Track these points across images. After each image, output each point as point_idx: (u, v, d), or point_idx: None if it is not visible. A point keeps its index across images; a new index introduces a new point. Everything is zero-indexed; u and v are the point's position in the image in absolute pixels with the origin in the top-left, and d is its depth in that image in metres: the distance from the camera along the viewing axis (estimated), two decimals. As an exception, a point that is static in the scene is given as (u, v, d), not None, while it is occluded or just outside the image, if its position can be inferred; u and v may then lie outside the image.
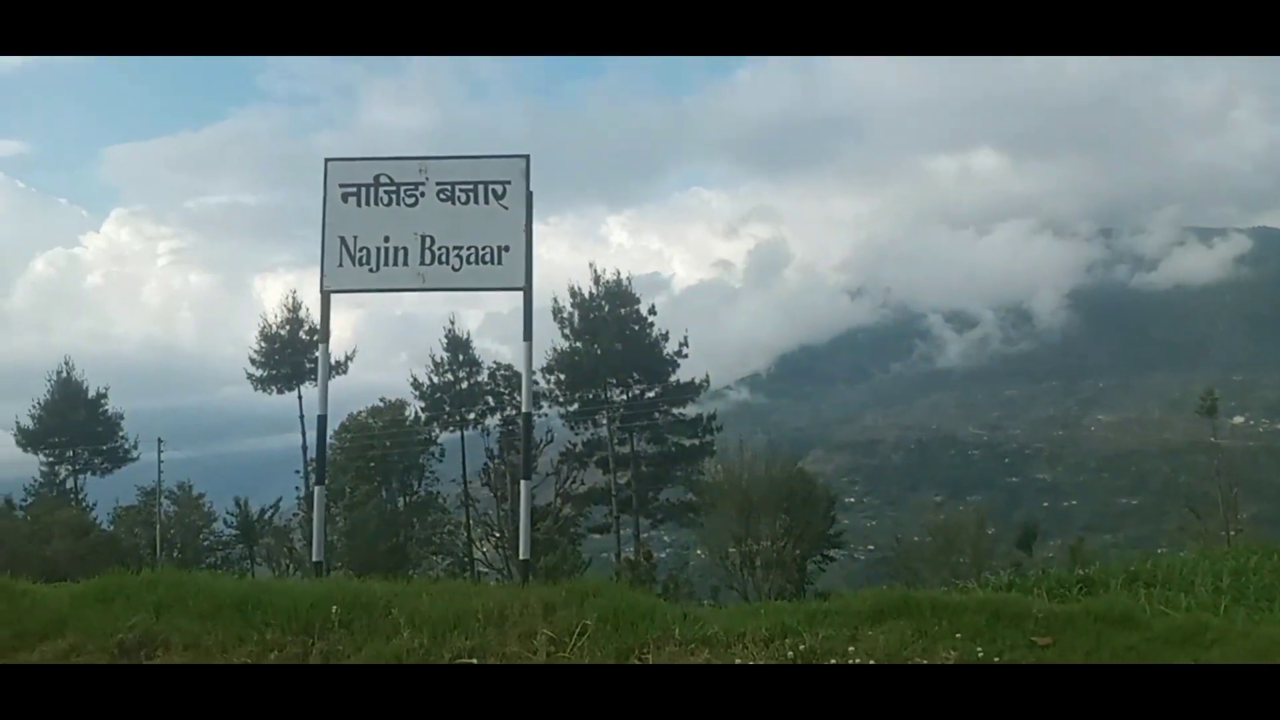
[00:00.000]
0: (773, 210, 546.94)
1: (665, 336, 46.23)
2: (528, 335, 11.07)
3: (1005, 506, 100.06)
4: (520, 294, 11.01)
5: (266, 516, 49.26)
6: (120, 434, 52.18)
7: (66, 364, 52.18)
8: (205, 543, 49.11)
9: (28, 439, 50.43)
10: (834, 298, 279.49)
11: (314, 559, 11.13)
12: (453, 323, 46.98)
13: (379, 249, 10.72)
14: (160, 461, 49.52)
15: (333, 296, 11.26)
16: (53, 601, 9.16)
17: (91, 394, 51.92)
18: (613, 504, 44.19)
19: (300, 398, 47.83)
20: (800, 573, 37.78)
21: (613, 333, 45.23)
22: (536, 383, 41.05)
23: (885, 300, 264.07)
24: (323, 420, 11.44)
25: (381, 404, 47.34)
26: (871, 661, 6.31)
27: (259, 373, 48.30)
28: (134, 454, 51.96)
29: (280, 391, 48.29)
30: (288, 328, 48.26)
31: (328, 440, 11.81)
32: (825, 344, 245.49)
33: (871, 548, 79.12)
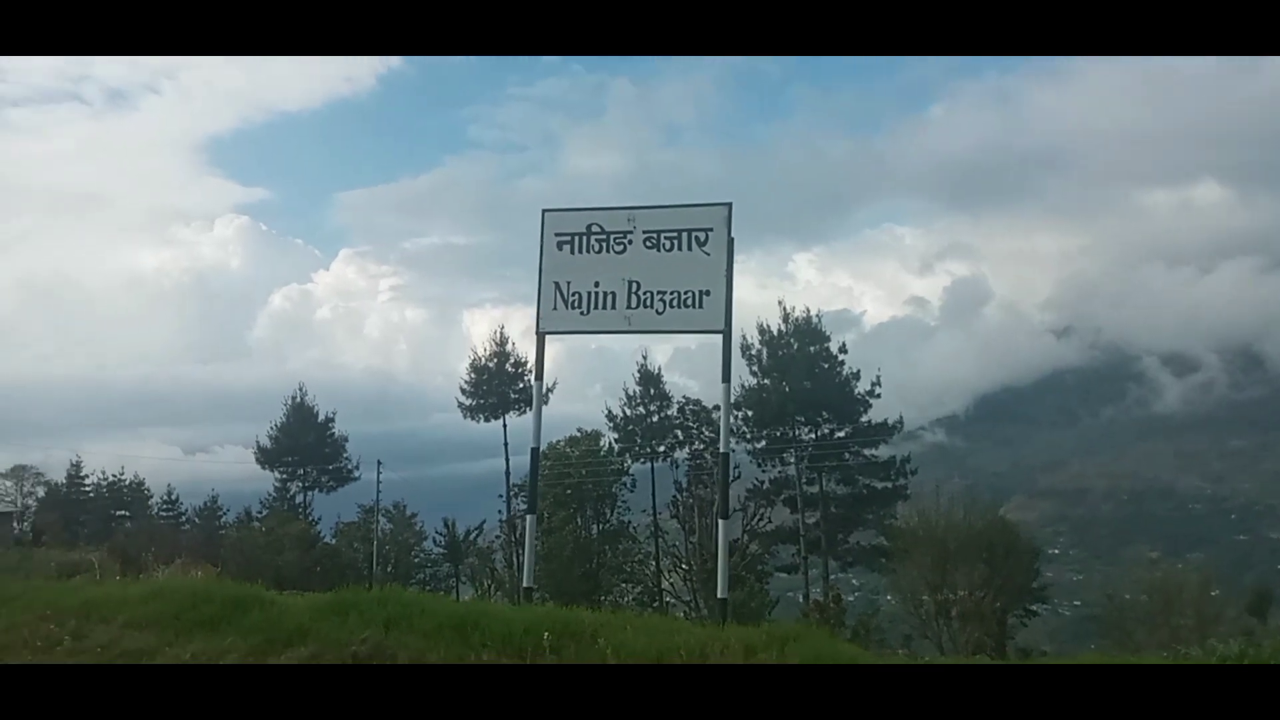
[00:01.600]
0: (970, 247, 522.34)
1: (856, 375, 45.15)
2: (726, 377, 11.37)
3: (1232, 567, 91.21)
4: (719, 336, 11.39)
5: (471, 538, 51.59)
6: (345, 455, 56.13)
7: (300, 390, 56.73)
8: (415, 559, 51.95)
9: (266, 457, 55.06)
10: (1038, 337, 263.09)
11: (524, 585, 11.79)
12: (645, 357, 48.14)
13: (590, 293, 11.29)
14: (379, 481, 52.53)
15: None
16: (295, 611, 10.10)
17: (321, 418, 56.12)
18: (800, 544, 43.54)
19: (505, 426, 50.15)
20: (1000, 626, 35.86)
21: (801, 370, 44.74)
22: (727, 419, 41.18)
23: (1095, 341, 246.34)
24: (536, 453, 12.08)
25: (578, 434, 48.79)
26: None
27: (468, 402, 50.78)
28: (356, 474, 55.65)
29: (486, 420, 50.66)
30: (495, 360, 50.64)
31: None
32: (1028, 385, 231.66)
33: (1078, 603, 74.28)
